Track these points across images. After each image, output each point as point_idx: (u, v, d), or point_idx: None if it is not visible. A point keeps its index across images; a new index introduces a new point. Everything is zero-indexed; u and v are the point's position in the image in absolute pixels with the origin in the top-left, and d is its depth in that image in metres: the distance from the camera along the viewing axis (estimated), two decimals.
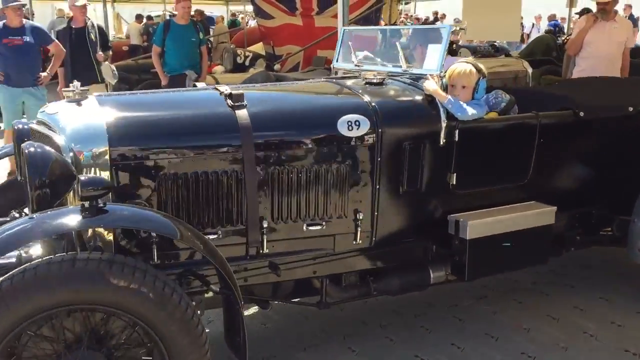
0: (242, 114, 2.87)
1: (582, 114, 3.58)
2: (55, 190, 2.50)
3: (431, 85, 3.22)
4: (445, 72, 3.34)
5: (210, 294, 2.91)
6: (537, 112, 3.50)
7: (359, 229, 3.11)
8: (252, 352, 2.74)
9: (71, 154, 2.61)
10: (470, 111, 3.21)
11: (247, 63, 9.59)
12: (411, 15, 21.63)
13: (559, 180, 3.73)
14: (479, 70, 3.37)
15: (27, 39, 6.73)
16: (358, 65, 3.83)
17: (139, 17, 16.28)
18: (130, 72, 9.44)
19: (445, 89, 3.36)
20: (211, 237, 2.86)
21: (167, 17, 10.68)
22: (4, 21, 6.79)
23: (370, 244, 3.20)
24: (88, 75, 7.33)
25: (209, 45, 10.46)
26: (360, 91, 3.22)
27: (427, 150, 3.19)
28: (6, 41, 6.62)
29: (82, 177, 2.28)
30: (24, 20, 6.90)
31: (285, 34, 10.26)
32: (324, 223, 3.07)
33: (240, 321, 2.59)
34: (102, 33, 8.70)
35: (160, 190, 2.76)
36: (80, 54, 7.71)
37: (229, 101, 2.91)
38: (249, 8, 13.29)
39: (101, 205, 2.30)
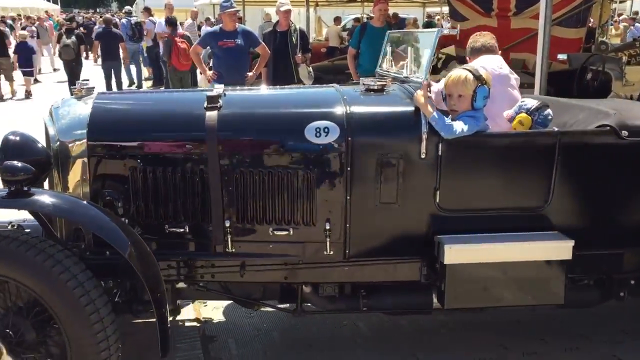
0: (211, 115, 2.99)
1: (625, 133, 2.94)
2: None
3: (419, 98, 2.96)
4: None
5: None
6: (566, 129, 2.98)
7: (329, 239, 3.01)
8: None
9: (57, 143, 3.02)
10: (459, 128, 2.88)
11: (439, 65, 9.43)
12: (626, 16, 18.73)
13: (590, 210, 3.12)
14: (477, 77, 2.99)
15: (239, 41, 7.44)
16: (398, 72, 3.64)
17: (337, 20, 16.86)
18: (325, 73, 9.86)
19: (444, 98, 3.06)
20: (178, 231, 3.05)
21: (365, 20, 10.98)
22: (221, 25, 7.69)
23: (344, 257, 3.07)
24: (286, 76, 7.93)
25: None
26: (345, 98, 3.10)
27: (405, 164, 2.95)
28: (221, 43, 7.42)
29: (6, 163, 2.65)
30: (237, 25, 7.67)
31: None
32: (290, 229, 3.04)
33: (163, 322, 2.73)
34: (304, 36, 9.15)
35: (131, 182, 3.03)
36: (282, 55, 8.31)
37: (206, 102, 3.05)
38: (446, 9, 12.98)
39: (26, 189, 2.64)
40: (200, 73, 8.93)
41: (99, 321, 2.59)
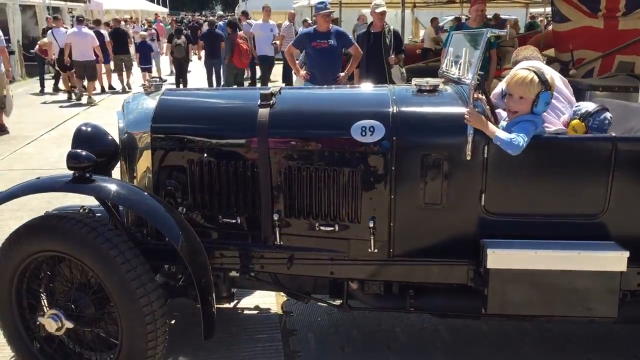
0: (263, 112, 3.11)
1: None
2: (102, 162, 3.17)
3: (475, 121, 2.85)
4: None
5: None
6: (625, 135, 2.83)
7: (374, 237, 3.04)
8: None
9: (125, 135, 3.26)
10: (522, 141, 2.78)
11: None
12: None
13: None
14: (542, 81, 2.88)
15: (332, 42, 7.59)
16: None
17: (433, 21, 16.50)
18: (419, 74, 9.83)
19: (504, 96, 2.99)
20: (231, 222, 3.20)
21: (463, 21, 10.77)
22: (315, 26, 7.87)
23: (388, 256, 3.08)
24: (378, 77, 7.97)
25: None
26: (394, 98, 3.10)
27: (450, 165, 2.92)
28: (314, 44, 7.61)
29: (71, 151, 2.91)
30: (331, 26, 7.81)
31: (582, 39, 9.37)
32: (336, 225, 3.09)
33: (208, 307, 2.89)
34: (397, 37, 9.15)
35: (189, 174, 3.20)
36: (375, 56, 8.38)
37: (259, 100, 3.18)
38: (549, 9, 12.36)
39: (88, 176, 2.88)
40: (295, 73, 9.16)
41: (148, 305, 2.77)
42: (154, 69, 17.65)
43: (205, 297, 2.87)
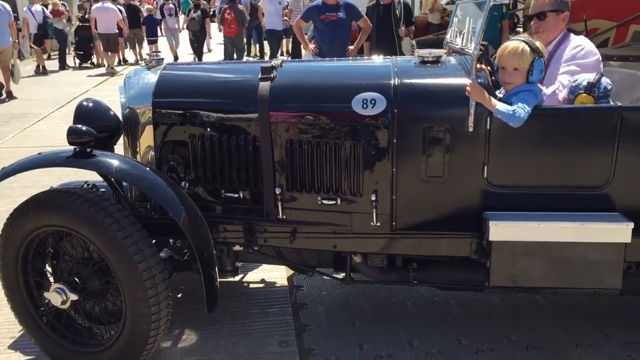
0: (264, 85, 3.09)
1: None
2: (104, 137, 3.18)
3: (475, 94, 2.81)
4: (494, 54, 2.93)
5: None
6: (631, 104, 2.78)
7: (376, 210, 3.03)
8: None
9: (127, 110, 3.26)
10: (523, 112, 2.75)
11: None
12: None
13: None
14: (534, 49, 2.84)
15: (341, 14, 7.48)
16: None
17: None
18: (430, 46, 9.71)
19: (496, 71, 2.95)
20: (234, 196, 3.21)
21: None
22: None
23: (391, 229, 3.08)
24: (389, 49, 7.86)
25: (514, 20, 10.04)
26: (396, 70, 3.07)
27: (452, 137, 2.89)
28: (323, 17, 7.51)
29: (71, 126, 2.92)
30: None
31: (596, 8, 9.20)
32: (338, 199, 3.09)
33: (210, 281, 2.91)
34: (407, 9, 9.03)
35: (191, 148, 3.21)
36: (384, 29, 8.28)
37: (260, 73, 3.15)
38: None
39: (89, 151, 2.89)
40: (304, 47, 9.08)
41: (150, 278, 2.80)
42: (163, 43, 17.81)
43: (208, 271, 2.90)
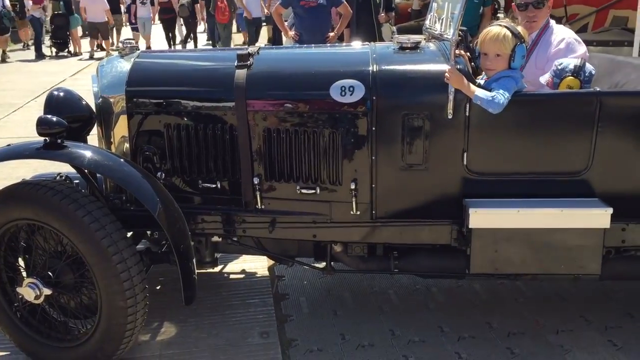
0: (240, 73, 3.04)
1: None
2: (77, 128, 3.12)
3: (454, 80, 2.79)
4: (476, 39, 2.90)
5: None
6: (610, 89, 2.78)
7: (355, 199, 3.01)
8: None
9: (100, 100, 3.20)
10: (503, 98, 2.73)
11: None
12: None
13: (635, 176, 2.91)
14: (515, 35, 2.82)
15: (321, 1, 7.36)
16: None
17: None
18: (410, 33, 9.62)
19: (478, 56, 2.94)
20: (211, 186, 3.17)
21: None
22: None
23: (370, 217, 3.06)
24: (369, 36, 7.82)
25: (496, 6, 10.00)
26: (374, 56, 3.04)
27: (431, 124, 2.87)
28: (303, 3, 7.38)
29: (40, 117, 2.85)
30: None
31: None
32: (317, 188, 3.07)
33: (187, 272, 2.88)
34: None
35: (166, 138, 3.15)
36: (364, 15, 8.23)
37: (236, 61, 3.10)
38: None
39: (60, 142, 2.83)
40: (284, 35, 8.99)
41: (125, 270, 2.75)
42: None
43: (185, 263, 2.86)
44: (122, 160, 2.97)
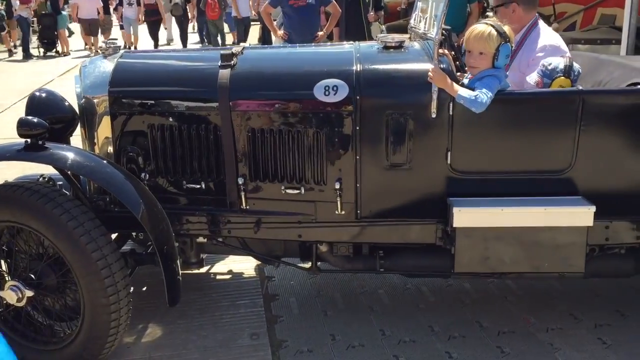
0: (224, 73, 3.03)
1: None
2: (59, 129, 3.10)
3: (437, 80, 2.79)
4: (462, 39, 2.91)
5: None
6: (593, 88, 2.79)
7: (340, 199, 3.01)
8: None
9: (83, 100, 3.18)
10: (486, 97, 2.74)
11: None
12: None
13: (617, 174, 2.92)
14: (501, 34, 2.83)
15: (310, 0, 7.33)
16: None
17: None
18: (400, 32, 9.58)
19: (463, 54, 2.94)
20: (195, 187, 3.16)
21: None
22: None
23: (356, 217, 3.06)
24: (358, 35, 7.76)
25: (484, 4, 10.03)
26: (358, 55, 3.04)
27: (416, 124, 2.88)
28: (292, 2, 7.32)
29: (21, 118, 2.83)
30: None
31: None
32: (302, 188, 3.06)
33: (170, 273, 2.87)
34: None
35: (150, 139, 3.14)
36: (354, 14, 8.19)
37: (220, 61, 3.09)
38: None
39: (41, 143, 2.81)
40: (273, 34, 8.96)
41: (106, 267, 2.74)
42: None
43: (169, 264, 2.85)
44: (104, 161, 2.95)
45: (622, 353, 3.13)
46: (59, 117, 3.12)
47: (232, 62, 3.07)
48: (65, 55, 16.89)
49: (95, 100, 3.17)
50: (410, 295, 3.77)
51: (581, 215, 2.79)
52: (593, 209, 2.78)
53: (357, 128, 2.91)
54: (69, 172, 3.01)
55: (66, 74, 13.43)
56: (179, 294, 2.92)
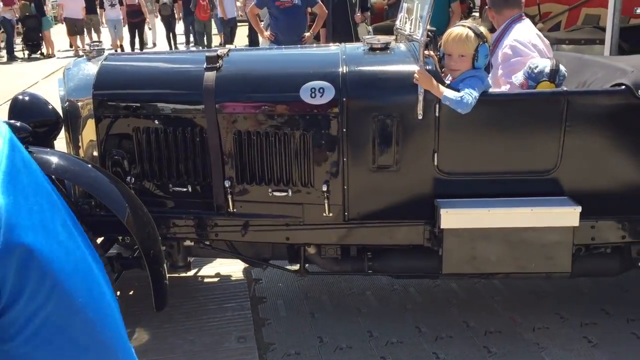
0: (209, 75, 3.02)
1: None
2: (43, 132, 3.07)
3: (423, 81, 2.80)
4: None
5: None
6: (577, 89, 2.81)
7: (328, 201, 3.01)
8: None
9: (66, 104, 3.15)
10: (471, 99, 2.75)
11: None
12: None
13: (602, 174, 2.94)
14: (478, 35, 2.84)
15: (296, 1, 7.24)
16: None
17: None
18: (387, 32, 9.51)
19: (442, 57, 2.95)
20: (182, 190, 3.14)
21: None
22: None
23: (344, 219, 3.06)
24: (345, 36, 7.67)
25: (470, 5, 10.08)
26: (344, 57, 3.04)
27: (402, 126, 2.88)
28: (278, 3, 7.25)
29: (3, 122, 2.79)
30: None
31: None
32: (289, 190, 3.06)
33: (158, 278, 2.84)
34: None
35: (135, 142, 3.12)
36: (340, 15, 8.17)
37: (205, 63, 3.07)
38: None
39: (24, 147, 2.77)
40: (259, 35, 8.92)
41: None
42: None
43: (155, 268, 2.83)
44: (89, 165, 2.94)
45: (607, 351, 3.15)
46: (42, 120, 3.09)
47: (218, 64, 3.06)
48: (50, 57, 16.70)
49: (79, 104, 3.14)
50: (398, 297, 3.76)
51: (567, 216, 2.80)
52: (579, 209, 2.80)
53: (344, 130, 2.91)
54: (52, 177, 2.97)
55: (51, 76, 13.31)
56: (166, 298, 2.91)
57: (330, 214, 3.03)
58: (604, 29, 7.48)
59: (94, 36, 17.64)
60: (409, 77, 2.83)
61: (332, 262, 3.28)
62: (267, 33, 7.62)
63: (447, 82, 2.93)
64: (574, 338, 3.27)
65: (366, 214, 3.05)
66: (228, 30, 13.84)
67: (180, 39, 18.03)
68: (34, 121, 2.96)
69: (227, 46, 12.22)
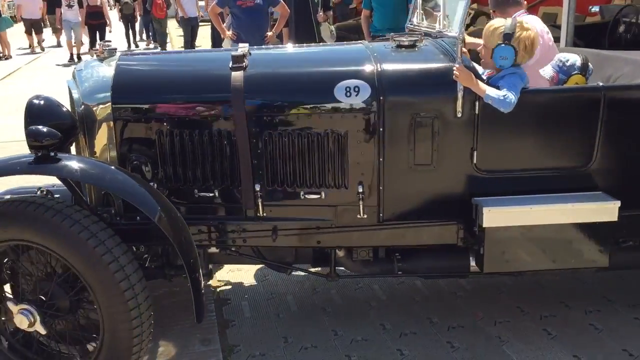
0: (237, 75, 2.57)
1: None
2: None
3: (464, 79, 2.40)
4: None
5: None
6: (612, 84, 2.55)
7: (362, 202, 2.58)
8: None
9: (82, 107, 2.53)
10: (512, 96, 2.34)
11: (468, 21, 8.29)
12: None
13: (637, 168, 2.58)
14: (505, 34, 2.40)
15: (258, 0, 6.30)
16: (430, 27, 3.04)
17: None
18: (350, 32, 8.30)
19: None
20: (208, 195, 2.60)
21: None
22: None
23: (378, 220, 2.66)
24: (308, 35, 7.12)
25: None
26: (375, 55, 2.65)
27: (440, 124, 2.52)
28: (240, 3, 6.31)
29: (31, 128, 2.13)
30: None
31: None
32: (322, 192, 2.63)
33: (197, 287, 2.32)
34: None
35: (158, 146, 2.63)
36: (303, 14, 7.43)
37: (231, 62, 2.60)
38: None
39: (53, 155, 2.23)
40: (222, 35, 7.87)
41: (129, 288, 2.24)
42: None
43: (195, 278, 2.35)
44: (118, 170, 2.40)
45: (567, 343, 2.93)
46: (58, 124, 2.47)
47: (244, 63, 2.57)
48: (7, 59, 14.71)
49: (95, 107, 2.61)
50: (362, 295, 3.42)
51: (607, 211, 2.49)
52: (618, 203, 2.51)
53: (380, 129, 2.54)
54: (73, 185, 2.33)
55: (9, 77, 11.45)
56: (205, 308, 2.44)
57: (365, 216, 2.63)
58: (559, 27, 6.94)
59: (53, 38, 16.43)
60: (446, 75, 2.49)
61: (362, 265, 2.86)
62: (229, 32, 6.69)
63: (484, 76, 2.59)
64: (533, 330, 3.07)
65: (401, 214, 2.68)
66: (189, 29, 12.27)
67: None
68: (51, 125, 2.35)
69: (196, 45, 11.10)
